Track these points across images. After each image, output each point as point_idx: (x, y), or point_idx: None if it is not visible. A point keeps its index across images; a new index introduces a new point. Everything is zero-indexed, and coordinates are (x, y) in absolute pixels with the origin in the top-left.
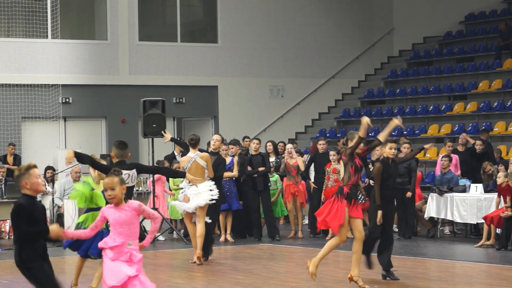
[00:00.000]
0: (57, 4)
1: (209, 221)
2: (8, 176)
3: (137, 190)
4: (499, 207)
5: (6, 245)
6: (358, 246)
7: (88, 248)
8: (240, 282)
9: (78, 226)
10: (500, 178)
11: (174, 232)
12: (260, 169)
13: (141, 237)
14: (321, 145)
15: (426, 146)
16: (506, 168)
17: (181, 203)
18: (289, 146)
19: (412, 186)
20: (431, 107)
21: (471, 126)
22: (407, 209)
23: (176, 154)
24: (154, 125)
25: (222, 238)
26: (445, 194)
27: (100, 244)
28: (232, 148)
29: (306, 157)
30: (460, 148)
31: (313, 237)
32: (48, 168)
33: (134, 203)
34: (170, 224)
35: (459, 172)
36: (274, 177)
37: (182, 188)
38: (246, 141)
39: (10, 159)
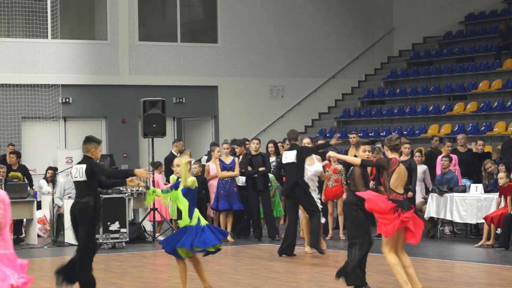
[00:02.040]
0: (57, 4)
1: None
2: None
3: (137, 190)
4: (500, 207)
5: None
6: None
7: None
8: (240, 282)
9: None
10: (502, 179)
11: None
12: (261, 169)
13: (141, 237)
14: None
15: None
16: (507, 168)
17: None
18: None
19: (413, 186)
20: (431, 107)
21: (471, 126)
22: None
23: (174, 153)
24: (154, 125)
25: None
26: (445, 194)
27: None
28: (237, 148)
29: None
30: (460, 149)
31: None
32: (50, 168)
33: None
34: (171, 224)
35: (458, 169)
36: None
37: None
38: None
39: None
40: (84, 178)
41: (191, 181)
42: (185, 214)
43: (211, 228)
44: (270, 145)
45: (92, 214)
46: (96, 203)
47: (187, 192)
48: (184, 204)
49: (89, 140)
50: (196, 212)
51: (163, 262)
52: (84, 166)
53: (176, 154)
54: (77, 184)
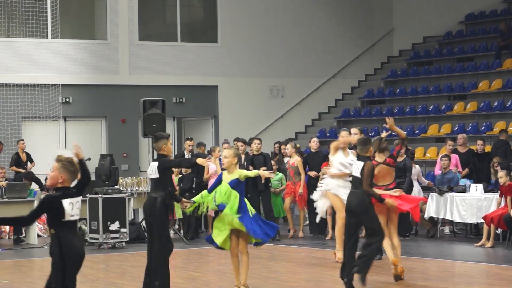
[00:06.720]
0: (57, 4)
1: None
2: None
3: (137, 190)
4: (500, 207)
5: (6, 245)
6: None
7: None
8: None
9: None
10: (502, 178)
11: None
12: (262, 169)
13: (141, 237)
14: (314, 143)
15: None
16: (505, 168)
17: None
18: (288, 146)
19: (405, 185)
20: (431, 107)
21: (471, 126)
22: None
23: (185, 154)
24: (154, 125)
25: None
26: (445, 194)
27: None
28: (242, 146)
29: None
30: (460, 149)
31: (313, 237)
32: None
33: None
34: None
35: (460, 170)
36: (279, 176)
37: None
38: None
39: (23, 155)
40: (157, 175)
41: (244, 174)
42: (234, 205)
43: (262, 220)
44: (286, 146)
45: (162, 209)
46: (166, 198)
47: (237, 184)
48: (234, 196)
49: (158, 138)
50: (247, 203)
51: None
52: (156, 163)
53: (187, 154)
54: (152, 180)
